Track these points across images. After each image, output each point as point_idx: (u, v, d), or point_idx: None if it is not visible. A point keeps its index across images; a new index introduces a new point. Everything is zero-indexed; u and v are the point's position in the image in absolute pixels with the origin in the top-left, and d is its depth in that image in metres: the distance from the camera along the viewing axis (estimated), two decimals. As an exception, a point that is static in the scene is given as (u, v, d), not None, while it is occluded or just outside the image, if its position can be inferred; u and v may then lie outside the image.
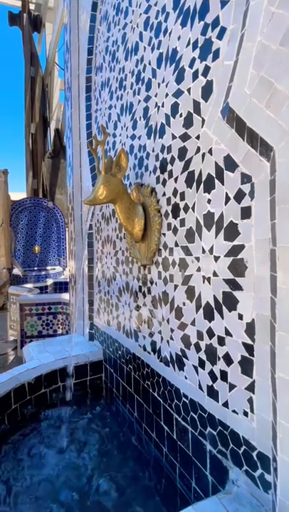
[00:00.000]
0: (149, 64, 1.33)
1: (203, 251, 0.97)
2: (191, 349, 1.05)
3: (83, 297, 2.34)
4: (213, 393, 0.94)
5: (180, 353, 1.13)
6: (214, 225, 0.92)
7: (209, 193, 0.94)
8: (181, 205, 1.10)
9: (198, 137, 1.00)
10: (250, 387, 0.79)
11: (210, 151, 0.93)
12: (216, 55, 0.90)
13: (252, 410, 0.79)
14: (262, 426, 0.76)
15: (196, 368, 1.03)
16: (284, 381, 0.65)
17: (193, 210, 1.03)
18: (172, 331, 1.18)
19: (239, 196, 0.82)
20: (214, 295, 0.92)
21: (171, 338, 1.19)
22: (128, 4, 1.56)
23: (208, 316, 0.96)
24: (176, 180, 1.13)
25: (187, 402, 1.08)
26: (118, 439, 1.51)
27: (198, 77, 0.98)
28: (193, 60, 1.01)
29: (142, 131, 1.42)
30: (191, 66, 1.02)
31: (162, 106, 1.22)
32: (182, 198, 1.09)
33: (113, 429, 1.59)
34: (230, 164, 0.84)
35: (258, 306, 0.76)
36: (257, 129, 0.72)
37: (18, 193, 9.15)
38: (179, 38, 1.09)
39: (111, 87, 1.84)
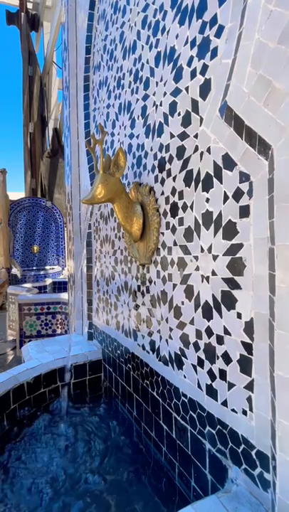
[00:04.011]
0: (147, 63, 1.33)
1: (202, 250, 0.97)
2: (190, 348, 1.05)
3: (82, 297, 2.34)
4: (212, 392, 0.94)
5: (179, 352, 1.13)
6: (213, 224, 0.92)
7: (208, 192, 0.94)
8: (180, 204, 1.10)
9: (196, 136, 0.99)
10: (249, 386, 0.79)
11: (208, 150, 0.93)
12: (214, 53, 0.89)
13: (251, 409, 0.79)
14: (261, 424, 0.76)
15: (194, 366, 1.03)
16: (283, 379, 0.65)
17: (192, 209, 1.02)
18: (171, 330, 1.18)
19: (237, 195, 0.82)
20: (213, 294, 0.92)
21: (170, 337, 1.19)
22: (126, 3, 1.56)
23: (207, 315, 0.96)
24: (174, 179, 1.13)
25: (186, 401, 1.08)
26: (117, 439, 1.51)
27: (197, 75, 0.98)
28: (191, 59, 1.01)
29: (140, 130, 1.42)
30: (189, 64, 1.02)
31: (160, 105, 1.22)
32: (181, 197, 1.09)
33: (112, 428, 1.59)
34: (229, 163, 0.84)
35: (256, 305, 0.76)
36: (255, 128, 0.72)
37: (17, 193, 9.13)
38: (176, 37, 1.09)
39: (109, 86, 1.83)
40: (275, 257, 0.67)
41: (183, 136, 1.07)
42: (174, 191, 1.14)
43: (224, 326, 0.88)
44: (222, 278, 0.88)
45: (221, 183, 0.88)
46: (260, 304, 0.75)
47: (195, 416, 1.04)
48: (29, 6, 9.33)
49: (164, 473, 1.22)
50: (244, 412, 0.81)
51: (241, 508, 0.77)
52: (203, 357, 0.98)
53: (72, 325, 2.57)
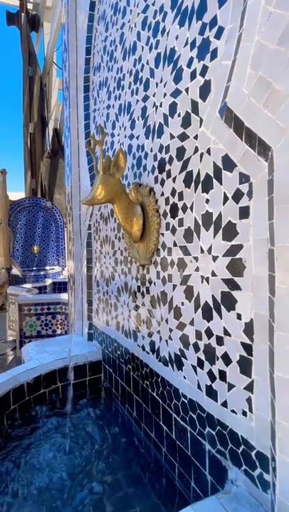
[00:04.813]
0: (147, 64, 1.33)
1: (202, 251, 0.97)
2: (190, 349, 1.05)
3: (82, 297, 2.34)
4: (212, 393, 0.94)
5: (179, 353, 1.13)
6: (212, 225, 0.92)
7: (207, 193, 0.94)
8: (180, 204, 1.10)
9: (196, 137, 0.99)
10: (249, 387, 0.79)
11: (208, 151, 0.93)
12: (214, 54, 0.90)
13: (251, 410, 0.79)
14: (261, 425, 0.76)
15: (194, 367, 1.03)
16: (282, 380, 0.65)
17: (192, 210, 1.03)
18: (171, 330, 1.18)
19: (237, 196, 0.82)
20: (213, 295, 0.92)
21: (170, 338, 1.19)
22: (126, 4, 1.56)
23: (207, 315, 0.96)
24: (174, 180, 1.13)
25: (186, 401, 1.08)
26: (117, 439, 1.51)
27: (196, 76, 0.98)
28: (191, 60, 1.01)
29: (140, 131, 1.42)
30: (189, 66, 1.02)
31: (160, 106, 1.22)
32: (180, 197, 1.09)
33: (112, 428, 1.59)
34: (229, 164, 0.84)
35: (256, 306, 0.76)
36: (255, 129, 0.72)
37: (17, 193, 9.13)
38: (176, 38, 1.09)
39: (109, 87, 1.84)
40: (274, 258, 0.67)
41: (183, 137, 1.07)
42: (173, 192, 1.14)
43: (224, 327, 0.88)
44: (222, 279, 0.88)
45: (221, 184, 0.88)
46: (260, 305, 0.75)
47: (195, 417, 1.04)
48: (29, 6, 9.34)
49: (164, 474, 1.22)
50: (244, 413, 0.81)
51: (241, 509, 0.77)
52: (203, 358, 0.98)
53: (73, 325, 2.57)
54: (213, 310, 0.92)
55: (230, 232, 0.85)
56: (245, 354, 0.81)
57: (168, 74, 1.16)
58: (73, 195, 2.46)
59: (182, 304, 1.10)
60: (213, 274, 0.92)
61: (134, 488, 1.21)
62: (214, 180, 0.91)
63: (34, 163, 8.93)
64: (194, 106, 1.00)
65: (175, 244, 1.14)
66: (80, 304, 2.38)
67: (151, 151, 1.31)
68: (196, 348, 1.02)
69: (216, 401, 0.92)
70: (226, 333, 0.87)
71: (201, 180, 0.97)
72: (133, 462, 1.35)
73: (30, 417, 1.67)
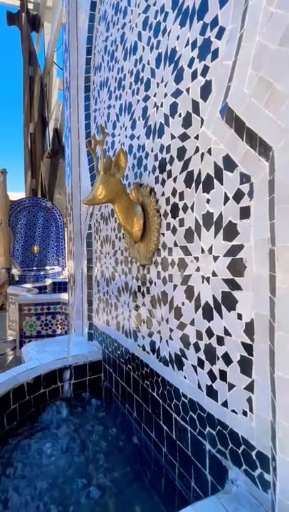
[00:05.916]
0: (148, 64, 1.33)
1: (203, 251, 0.97)
2: (190, 349, 1.05)
3: (82, 297, 2.34)
4: (212, 393, 0.94)
5: (179, 353, 1.13)
6: (213, 225, 0.92)
7: (208, 193, 0.94)
8: (180, 205, 1.10)
9: (197, 137, 1.00)
10: (250, 387, 0.79)
11: (209, 151, 0.93)
12: (215, 54, 0.90)
13: (251, 410, 0.79)
14: (261, 425, 0.76)
15: (195, 367, 1.03)
16: (283, 380, 0.65)
17: (192, 210, 1.03)
18: (171, 330, 1.18)
19: (238, 196, 0.82)
20: (213, 295, 0.92)
21: (171, 338, 1.19)
22: (127, 4, 1.56)
23: (208, 315, 0.96)
24: (175, 180, 1.13)
25: (186, 401, 1.09)
26: (117, 439, 1.51)
27: (197, 76, 0.98)
28: (192, 60, 1.01)
29: (141, 131, 1.42)
30: (190, 66, 1.02)
31: (161, 106, 1.22)
32: (181, 197, 1.09)
33: (112, 428, 1.59)
34: (229, 164, 0.84)
35: (257, 306, 0.76)
36: (256, 129, 0.73)
37: (17, 193, 9.13)
38: (177, 38, 1.09)
39: (110, 87, 1.84)
40: (275, 259, 0.67)
41: (184, 137, 1.07)
42: (174, 192, 1.14)
43: (224, 327, 0.88)
44: (222, 279, 0.88)
45: (222, 184, 0.88)
46: (261, 305, 0.75)
47: (195, 417, 1.04)
48: (30, 6, 9.34)
49: (164, 474, 1.22)
50: (244, 413, 0.81)
51: (241, 509, 0.77)
52: (203, 358, 0.99)
53: (73, 325, 2.57)
54: (214, 310, 0.93)
55: (231, 232, 0.85)
56: (245, 354, 0.81)
57: (169, 74, 1.16)
58: (74, 195, 2.46)
59: (183, 303, 1.10)
60: (214, 274, 0.92)
61: (135, 488, 1.21)
62: (215, 180, 0.91)
63: (34, 163, 8.94)
64: (195, 106, 1.00)
65: (176, 244, 1.14)
66: (80, 304, 2.38)
67: (152, 151, 1.31)
68: (197, 348, 1.02)
69: (217, 401, 0.92)
70: (227, 333, 0.87)
71: (202, 180, 0.97)
72: (133, 462, 1.35)
73: (29, 416, 1.67)
